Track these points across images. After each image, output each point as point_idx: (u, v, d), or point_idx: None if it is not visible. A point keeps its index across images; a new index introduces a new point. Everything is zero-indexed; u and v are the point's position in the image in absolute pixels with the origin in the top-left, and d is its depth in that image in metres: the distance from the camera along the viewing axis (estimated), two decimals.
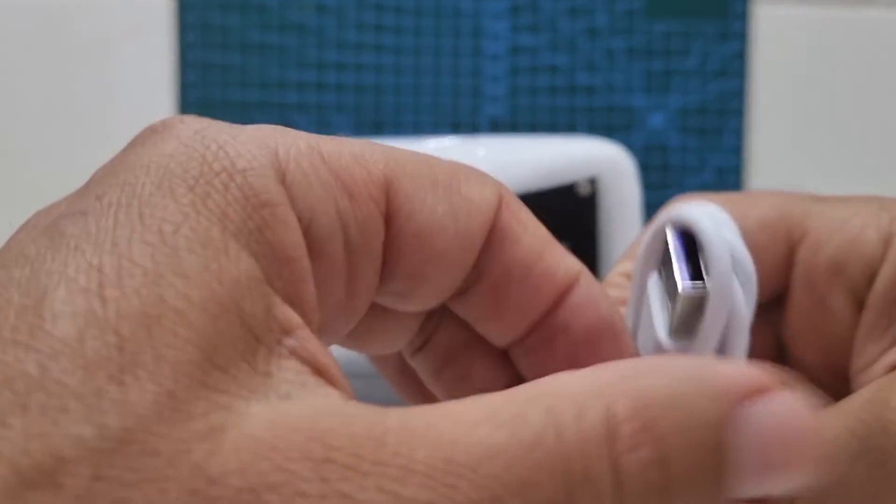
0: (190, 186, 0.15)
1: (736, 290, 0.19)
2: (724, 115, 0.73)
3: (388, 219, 0.18)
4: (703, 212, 0.20)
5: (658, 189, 0.73)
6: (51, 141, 0.75)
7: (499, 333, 0.20)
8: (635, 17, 0.73)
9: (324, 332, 0.17)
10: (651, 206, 0.71)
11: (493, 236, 0.19)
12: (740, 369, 0.14)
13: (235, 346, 0.14)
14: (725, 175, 0.74)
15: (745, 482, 0.14)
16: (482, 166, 0.40)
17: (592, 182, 0.41)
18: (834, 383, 0.24)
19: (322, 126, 0.73)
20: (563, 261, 0.20)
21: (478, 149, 0.40)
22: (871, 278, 0.23)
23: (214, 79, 0.73)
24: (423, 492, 0.12)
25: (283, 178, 0.16)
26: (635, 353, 0.21)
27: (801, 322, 0.19)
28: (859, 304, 0.23)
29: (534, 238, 0.19)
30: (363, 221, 0.17)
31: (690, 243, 0.20)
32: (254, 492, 0.12)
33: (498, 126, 0.73)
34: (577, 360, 0.19)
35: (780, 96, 0.75)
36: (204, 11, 0.73)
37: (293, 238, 0.15)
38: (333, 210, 0.16)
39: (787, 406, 0.14)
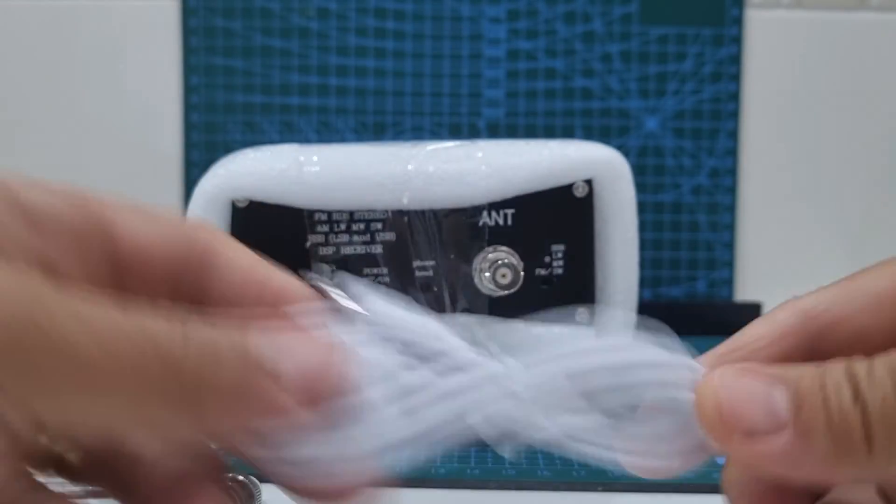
0: None
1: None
2: (718, 118, 0.74)
3: (103, 221, 0.22)
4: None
5: (654, 191, 0.74)
6: (60, 140, 0.76)
7: None
8: (631, 22, 0.74)
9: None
10: (647, 208, 0.72)
11: (209, 255, 0.23)
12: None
13: None
14: (720, 177, 0.75)
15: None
16: (482, 168, 0.41)
17: (589, 183, 0.42)
18: None
19: (324, 128, 0.74)
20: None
21: (477, 151, 0.42)
22: None
23: (218, 82, 0.74)
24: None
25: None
26: None
27: None
28: None
29: (246, 251, 0.24)
30: (77, 209, 0.22)
31: None
32: None
33: (496, 128, 0.74)
34: None
35: (774, 99, 0.76)
36: (207, 16, 0.74)
37: (17, 222, 0.21)
38: (59, 202, 0.22)
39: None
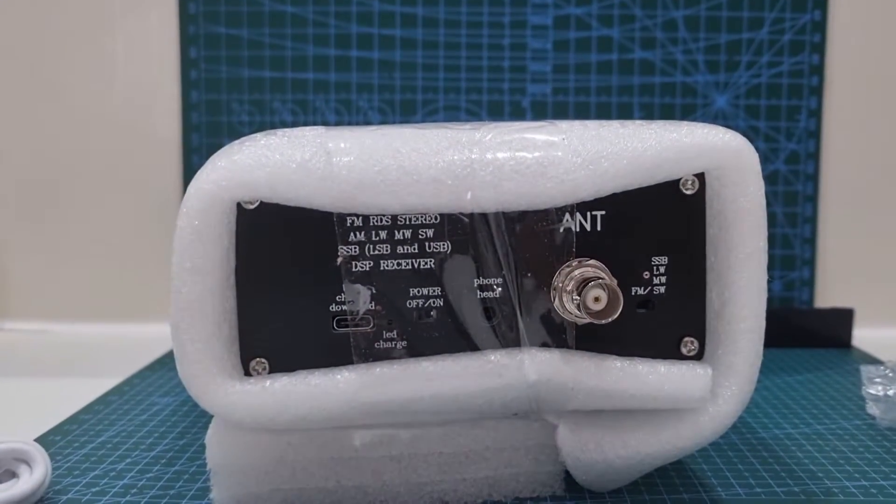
0: None
1: None
2: (799, 95, 0.65)
3: None
4: None
5: None
6: (41, 121, 0.68)
7: None
8: None
9: None
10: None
11: None
12: None
13: None
14: (800, 162, 0.65)
15: None
16: (570, 158, 0.32)
17: (700, 178, 0.32)
18: None
19: (344, 108, 0.65)
20: None
21: (559, 134, 0.32)
22: None
23: (221, 54, 0.65)
24: None
25: None
26: None
27: None
28: None
29: None
30: None
31: None
32: None
33: (543, 107, 0.65)
34: None
35: (864, 72, 0.66)
36: None
37: None
38: None
39: None
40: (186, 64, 0.66)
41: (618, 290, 0.30)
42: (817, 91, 0.65)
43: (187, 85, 0.66)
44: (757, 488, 0.36)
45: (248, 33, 0.65)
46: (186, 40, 0.66)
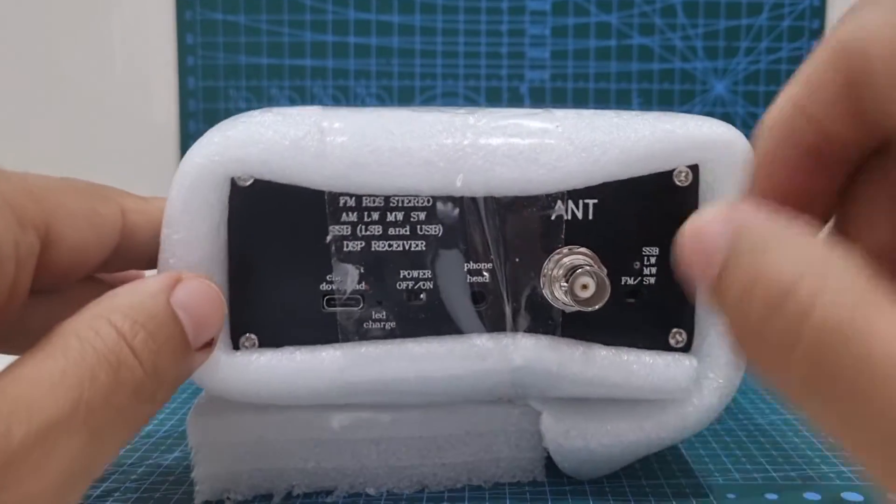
0: None
1: None
2: None
3: (47, 239, 0.25)
4: None
5: None
6: (38, 110, 0.69)
7: None
8: None
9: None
10: None
11: (125, 230, 0.29)
12: (158, 276, 0.26)
13: None
14: None
15: (198, 335, 0.25)
16: (562, 146, 0.32)
17: (694, 170, 0.32)
18: None
19: (341, 94, 0.65)
20: None
21: (553, 122, 0.32)
22: None
23: (218, 41, 0.66)
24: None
25: None
26: None
27: None
28: None
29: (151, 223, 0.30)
30: (28, 244, 0.24)
31: None
32: None
33: (541, 94, 0.65)
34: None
35: None
36: None
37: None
38: (11, 240, 0.23)
39: (193, 284, 0.26)
40: (183, 50, 0.66)
41: (606, 278, 0.30)
42: None
43: (184, 72, 0.66)
44: (754, 473, 0.36)
45: (245, 19, 0.65)
46: (183, 26, 0.66)
